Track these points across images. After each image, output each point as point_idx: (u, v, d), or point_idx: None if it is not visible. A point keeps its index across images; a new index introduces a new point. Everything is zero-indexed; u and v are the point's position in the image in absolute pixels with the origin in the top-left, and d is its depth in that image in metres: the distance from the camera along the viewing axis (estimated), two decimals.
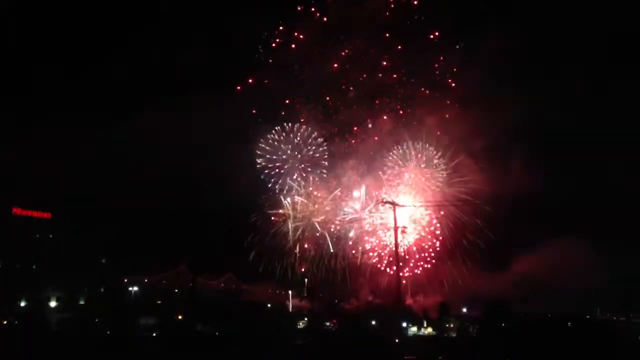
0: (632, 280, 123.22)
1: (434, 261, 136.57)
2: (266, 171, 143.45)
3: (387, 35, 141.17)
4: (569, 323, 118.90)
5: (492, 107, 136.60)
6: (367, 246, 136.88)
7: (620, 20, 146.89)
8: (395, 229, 75.05)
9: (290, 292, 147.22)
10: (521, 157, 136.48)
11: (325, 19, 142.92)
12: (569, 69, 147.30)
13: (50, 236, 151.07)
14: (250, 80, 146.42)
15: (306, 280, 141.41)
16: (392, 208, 79.56)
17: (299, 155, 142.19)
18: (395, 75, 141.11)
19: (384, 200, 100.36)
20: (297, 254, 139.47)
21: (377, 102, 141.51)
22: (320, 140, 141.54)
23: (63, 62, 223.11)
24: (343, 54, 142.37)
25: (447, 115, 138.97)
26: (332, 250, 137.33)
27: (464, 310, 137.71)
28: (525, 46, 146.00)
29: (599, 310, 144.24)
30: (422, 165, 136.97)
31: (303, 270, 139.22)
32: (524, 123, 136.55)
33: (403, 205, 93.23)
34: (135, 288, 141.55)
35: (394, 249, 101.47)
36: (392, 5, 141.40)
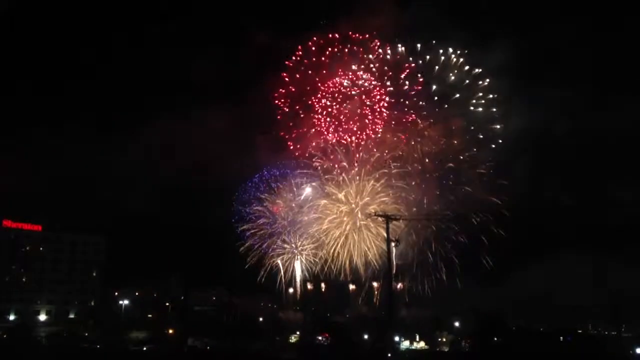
0: (623, 295, 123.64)
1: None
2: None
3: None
4: (561, 337, 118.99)
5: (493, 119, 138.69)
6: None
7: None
8: (388, 241, 74.71)
9: (282, 305, 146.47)
10: (519, 172, 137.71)
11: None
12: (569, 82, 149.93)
13: (41, 249, 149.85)
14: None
15: (299, 293, 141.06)
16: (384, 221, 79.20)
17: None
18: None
19: (377, 213, 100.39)
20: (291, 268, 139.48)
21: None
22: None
23: (56, 74, 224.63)
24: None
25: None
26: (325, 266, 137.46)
27: (457, 324, 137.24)
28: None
29: (590, 324, 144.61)
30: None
31: (296, 283, 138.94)
32: (525, 136, 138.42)
33: (396, 218, 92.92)
34: (126, 301, 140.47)
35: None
36: None
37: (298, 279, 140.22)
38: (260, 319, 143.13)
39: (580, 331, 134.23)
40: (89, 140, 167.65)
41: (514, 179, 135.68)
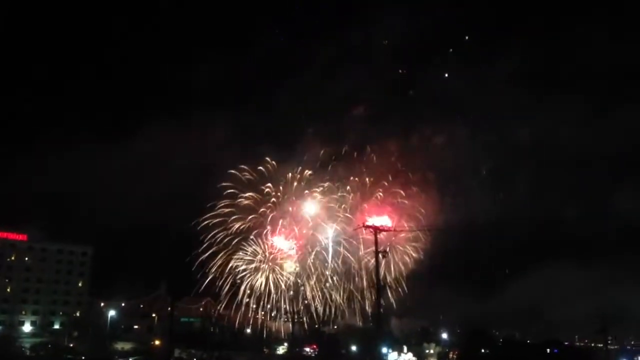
0: (610, 307, 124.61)
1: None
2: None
3: None
4: (548, 349, 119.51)
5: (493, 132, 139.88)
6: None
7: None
8: (377, 252, 74.64)
9: (270, 316, 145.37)
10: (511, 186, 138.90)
11: None
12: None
13: (26, 259, 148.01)
14: None
15: (287, 304, 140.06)
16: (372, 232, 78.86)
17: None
18: None
19: (365, 224, 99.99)
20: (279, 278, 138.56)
21: None
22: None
23: (44, 83, 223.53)
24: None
25: None
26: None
27: (444, 335, 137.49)
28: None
29: (577, 336, 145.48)
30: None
31: (285, 294, 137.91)
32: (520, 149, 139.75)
33: (384, 230, 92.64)
34: (112, 312, 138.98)
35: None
36: None
37: (288, 288, 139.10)
38: (248, 330, 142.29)
39: (567, 343, 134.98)
40: (76, 149, 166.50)
41: (506, 192, 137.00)
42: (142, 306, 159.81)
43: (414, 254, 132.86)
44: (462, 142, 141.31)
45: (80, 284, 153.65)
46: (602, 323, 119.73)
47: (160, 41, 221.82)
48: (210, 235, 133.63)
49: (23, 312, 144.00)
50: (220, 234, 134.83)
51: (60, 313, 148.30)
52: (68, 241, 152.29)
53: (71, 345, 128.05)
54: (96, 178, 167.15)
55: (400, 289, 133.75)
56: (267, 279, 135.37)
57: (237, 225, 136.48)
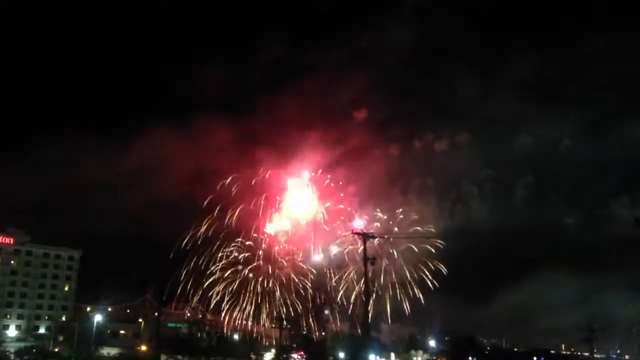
0: (596, 316, 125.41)
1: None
2: None
3: None
4: (534, 358, 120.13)
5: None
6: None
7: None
8: (365, 260, 74.73)
9: (258, 322, 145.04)
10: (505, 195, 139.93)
11: None
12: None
13: (12, 262, 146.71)
14: None
15: (274, 310, 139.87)
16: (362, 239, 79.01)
17: None
18: None
19: (354, 231, 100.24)
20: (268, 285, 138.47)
21: None
22: None
23: (36, 88, 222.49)
24: None
25: None
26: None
27: (432, 343, 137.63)
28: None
29: (563, 345, 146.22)
30: None
31: (273, 300, 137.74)
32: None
33: (373, 237, 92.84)
34: (99, 317, 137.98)
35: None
36: None
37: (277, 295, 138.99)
38: (236, 336, 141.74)
39: (553, 352, 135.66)
40: (67, 153, 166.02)
41: (500, 201, 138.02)
42: (128, 311, 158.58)
43: (408, 263, 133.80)
44: (460, 149, 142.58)
45: (66, 288, 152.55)
46: (588, 332, 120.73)
47: (159, 46, 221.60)
48: (201, 247, 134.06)
49: (8, 316, 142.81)
50: (211, 245, 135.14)
51: (46, 317, 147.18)
52: (55, 245, 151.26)
53: (56, 349, 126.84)
54: (86, 182, 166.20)
55: (391, 296, 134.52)
56: (257, 303, 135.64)
57: (230, 235, 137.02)
